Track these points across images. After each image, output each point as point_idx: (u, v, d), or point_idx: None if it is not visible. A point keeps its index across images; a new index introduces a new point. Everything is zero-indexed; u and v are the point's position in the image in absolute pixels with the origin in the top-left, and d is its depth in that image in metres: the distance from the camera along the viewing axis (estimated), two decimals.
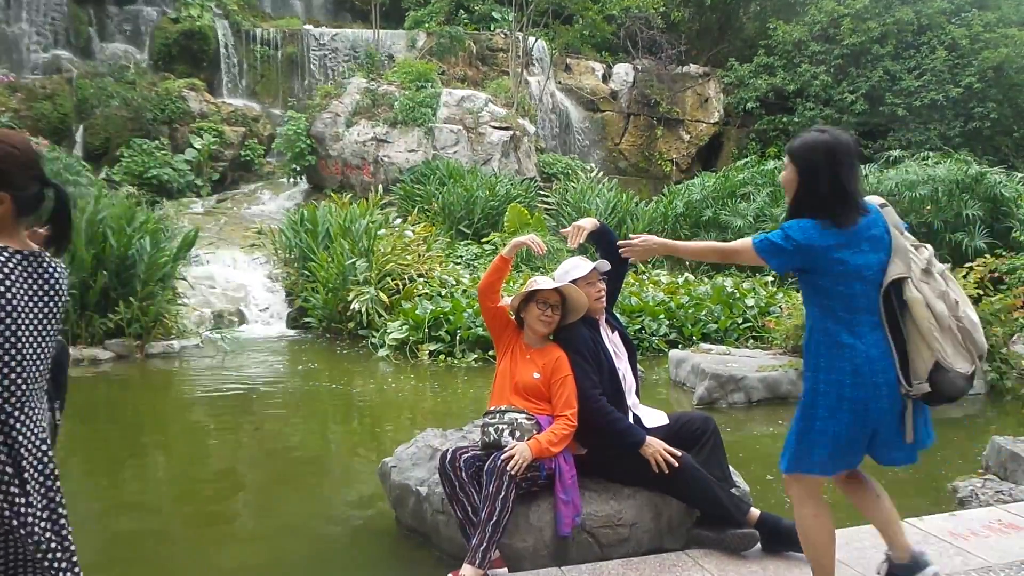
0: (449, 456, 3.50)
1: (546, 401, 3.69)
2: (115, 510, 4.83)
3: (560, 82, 22.66)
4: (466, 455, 3.52)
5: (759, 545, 3.55)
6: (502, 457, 3.35)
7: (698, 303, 9.83)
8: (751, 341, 9.29)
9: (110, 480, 5.48)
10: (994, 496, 4.42)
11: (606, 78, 23.40)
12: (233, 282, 13.22)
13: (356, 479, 5.34)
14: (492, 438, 3.54)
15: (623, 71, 23.21)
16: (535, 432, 3.54)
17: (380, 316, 10.20)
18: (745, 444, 5.90)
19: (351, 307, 10.33)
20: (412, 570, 3.82)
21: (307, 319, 11.30)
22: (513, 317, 3.86)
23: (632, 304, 9.63)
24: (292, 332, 11.65)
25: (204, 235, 14.69)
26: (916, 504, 4.61)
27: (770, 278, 11.08)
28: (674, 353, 8.03)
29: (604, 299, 3.85)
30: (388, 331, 9.66)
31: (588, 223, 3.87)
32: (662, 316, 9.56)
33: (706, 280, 11.19)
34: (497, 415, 3.60)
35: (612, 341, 3.92)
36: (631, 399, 3.90)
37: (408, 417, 6.98)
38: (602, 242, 4.02)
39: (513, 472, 3.32)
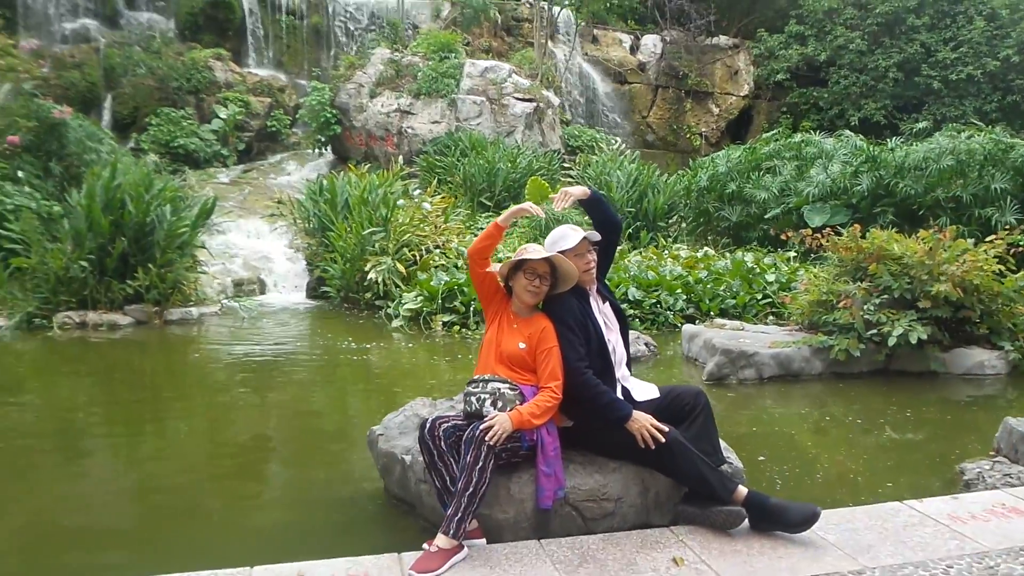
0: (429, 425, 3.45)
1: (531, 371, 3.61)
2: (130, 472, 4.91)
3: (587, 53, 22.34)
4: (446, 424, 3.47)
5: (747, 523, 3.47)
6: (480, 427, 3.29)
7: (717, 278, 9.67)
8: (770, 317, 9.14)
9: (128, 442, 5.58)
10: (1001, 479, 4.27)
11: (634, 49, 23.05)
12: (255, 251, 13.32)
13: (352, 448, 5.32)
14: (474, 407, 3.49)
15: (651, 42, 22.85)
16: (518, 403, 3.47)
17: (396, 287, 10.19)
18: (748, 422, 5.77)
19: (368, 277, 10.33)
20: (395, 538, 3.78)
21: (325, 289, 11.34)
22: (502, 284, 3.78)
23: (649, 278, 9.49)
24: (311, 301, 11.72)
25: (227, 204, 14.79)
26: (921, 485, 4.49)
27: (792, 253, 10.86)
28: (687, 328, 7.90)
29: (594, 270, 3.75)
30: (403, 302, 9.65)
31: (578, 190, 3.79)
32: (679, 291, 9.41)
33: (727, 255, 10.99)
34: (480, 384, 3.54)
35: (603, 312, 3.83)
36: (621, 372, 3.81)
37: (416, 387, 6.94)
38: (594, 212, 3.93)
39: (492, 443, 3.26)
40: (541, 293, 3.65)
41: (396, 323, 9.47)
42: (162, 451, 5.35)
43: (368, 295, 10.42)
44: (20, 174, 11.34)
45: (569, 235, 3.67)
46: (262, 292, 12.19)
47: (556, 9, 21.12)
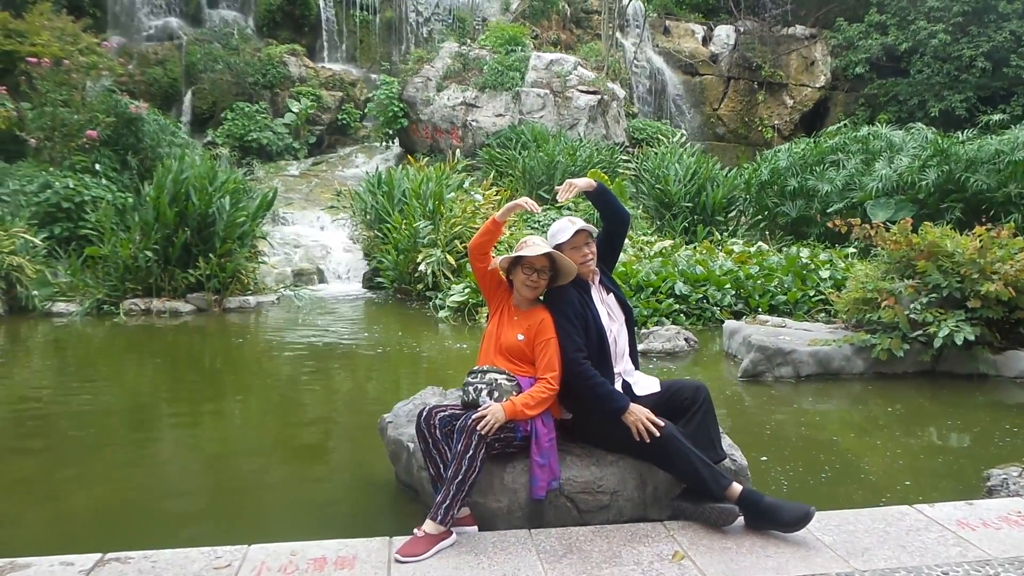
0: (425, 414, 3.53)
1: (529, 363, 3.65)
2: (192, 450, 5.18)
3: (657, 45, 22.06)
4: (443, 414, 3.54)
5: (742, 521, 3.44)
6: (473, 416, 3.35)
7: (768, 273, 9.46)
8: (821, 315, 8.89)
9: (189, 421, 5.91)
10: None
11: (706, 40, 22.65)
12: (317, 242, 13.68)
13: (369, 435, 5.45)
14: (471, 397, 3.54)
15: (724, 33, 22.41)
16: (514, 393, 3.51)
17: (446, 278, 10.34)
18: (772, 421, 5.63)
19: (419, 269, 10.51)
20: (400, 523, 3.86)
21: (380, 279, 11.58)
22: (504, 277, 3.83)
23: (697, 273, 9.36)
24: (366, 292, 11.98)
25: (294, 197, 15.23)
26: (943, 489, 4.34)
27: (852, 249, 10.53)
28: (728, 324, 7.75)
29: (592, 262, 3.75)
30: (450, 293, 9.79)
31: (582, 182, 3.80)
32: (728, 286, 9.25)
33: (782, 250, 10.74)
34: (479, 375, 3.59)
35: (606, 302, 3.83)
36: (623, 365, 3.81)
37: (444, 375, 7.03)
38: (600, 204, 3.94)
39: (483, 432, 3.31)
40: (540, 287, 3.68)
41: (442, 314, 9.61)
42: (220, 430, 5.65)
43: (419, 286, 10.60)
44: (98, 167, 11.94)
45: (565, 228, 3.69)
46: (321, 282, 12.54)
47: (625, 0, 20.92)
